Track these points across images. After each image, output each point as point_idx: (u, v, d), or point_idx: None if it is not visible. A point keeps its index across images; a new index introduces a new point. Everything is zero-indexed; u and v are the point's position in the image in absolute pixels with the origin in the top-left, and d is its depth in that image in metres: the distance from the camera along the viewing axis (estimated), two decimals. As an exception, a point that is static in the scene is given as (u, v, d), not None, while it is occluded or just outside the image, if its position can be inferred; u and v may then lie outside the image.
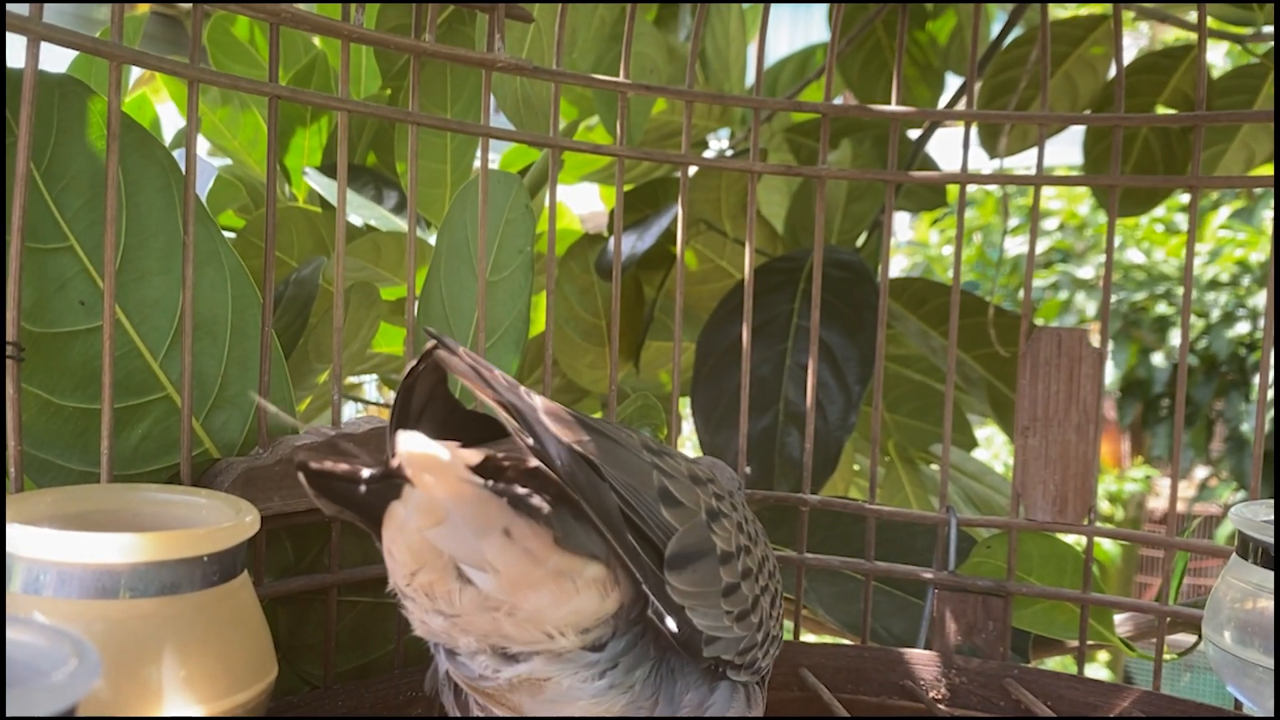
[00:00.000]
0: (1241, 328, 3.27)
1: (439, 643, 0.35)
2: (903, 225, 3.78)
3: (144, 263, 0.45)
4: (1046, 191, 3.35)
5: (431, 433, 0.33)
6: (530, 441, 0.31)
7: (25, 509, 0.37)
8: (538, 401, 0.32)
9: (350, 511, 0.32)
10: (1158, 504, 3.69)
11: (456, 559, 0.32)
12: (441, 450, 0.30)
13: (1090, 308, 3.48)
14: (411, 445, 0.30)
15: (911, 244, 3.85)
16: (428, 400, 0.36)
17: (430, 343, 0.32)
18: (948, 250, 3.64)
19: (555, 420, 0.32)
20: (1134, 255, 3.47)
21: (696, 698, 0.36)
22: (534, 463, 0.31)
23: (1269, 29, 0.85)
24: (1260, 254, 3.32)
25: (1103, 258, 3.53)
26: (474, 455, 0.30)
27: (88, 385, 0.44)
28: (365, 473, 0.31)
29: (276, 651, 0.39)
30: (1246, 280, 3.33)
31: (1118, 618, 0.76)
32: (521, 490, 0.31)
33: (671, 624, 0.34)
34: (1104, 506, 3.48)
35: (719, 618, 0.36)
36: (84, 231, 0.44)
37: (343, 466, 0.31)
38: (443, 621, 0.33)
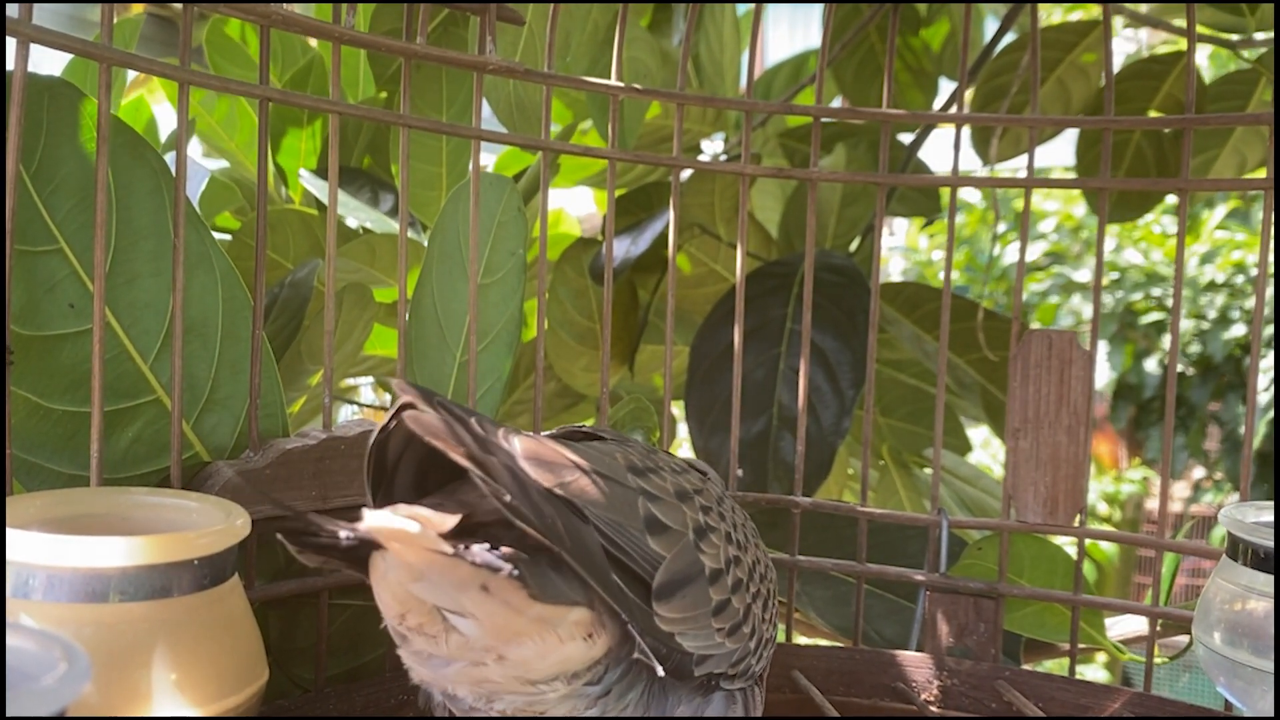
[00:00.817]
0: (1238, 330, 3.27)
1: (430, 689, 0.36)
2: (899, 229, 3.78)
3: (134, 265, 0.45)
4: (1042, 193, 3.36)
5: (408, 482, 0.34)
6: (507, 498, 0.30)
7: (15, 513, 0.37)
8: (517, 445, 0.32)
9: (335, 560, 0.32)
10: (1156, 505, 3.69)
11: (440, 606, 0.32)
12: (408, 524, 0.30)
13: (1086, 310, 3.49)
14: (377, 521, 0.30)
15: (900, 249, 3.85)
16: (405, 446, 0.35)
17: (404, 397, 0.31)
18: (938, 255, 3.64)
19: (536, 465, 0.32)
20: (1132, 255, 3.48)
21: (689, 709, 0.37)
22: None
23: (1260, 35, 0.86)
24: (1255, 256, 3.32)
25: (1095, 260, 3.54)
26: (447, 521, 0.30)
27: (77, 388, 0.44)
28: (343, 534, 0.31)
29: (267, 655, 0.39)
30: (1240, 280, 3.34)
31: (1132, 618, 0.76)
32: (491, 554, 0.31)
33: (659, 669, 0.34)
34: (1101, 508, 3.49)
35: (710, 636, 0.36)
36: (74, 234, 0.44)
37: (323, 530, 0.31)
38: (433, 673, 0.34)
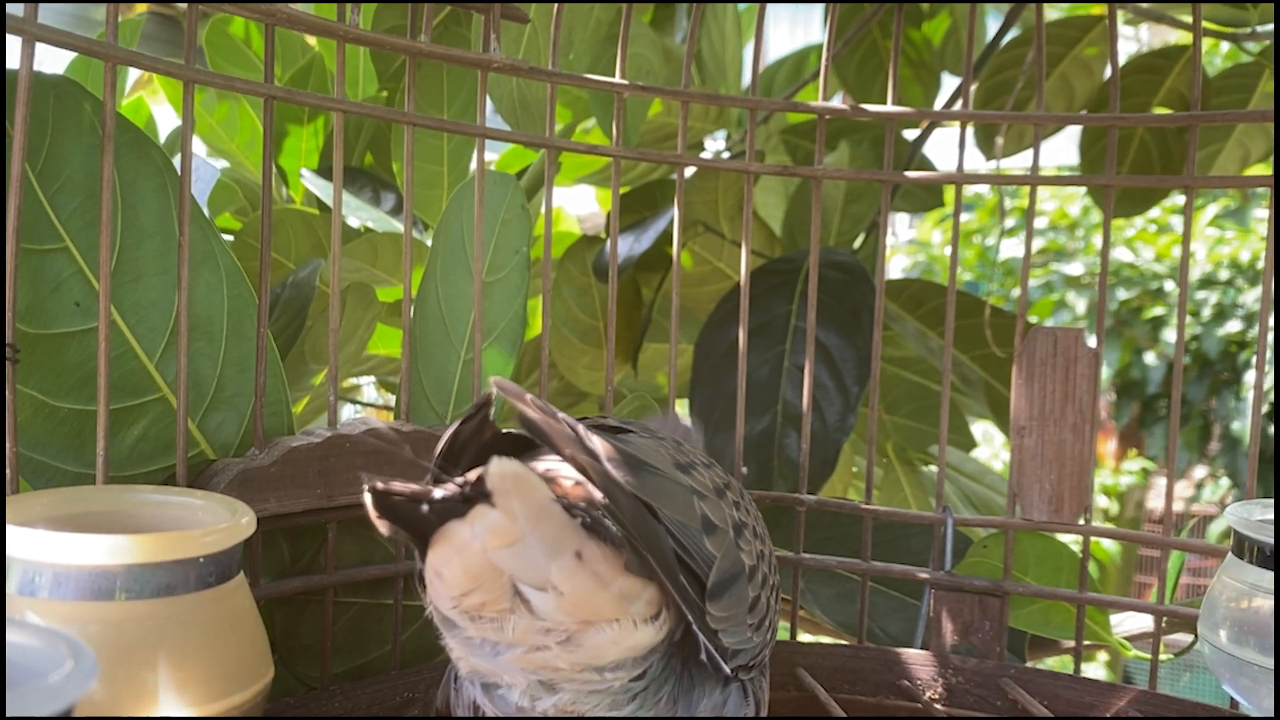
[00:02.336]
0: (1233, 326, 3.27)
1: (480, 680, 0.35)
2: (905, 225, 3.78)
3: (140, 264, 0.45)
4: (1041, 192, 3.35)
5: (472, 462, 0.33)
6: (600, 496, 0.31)
7: (21, 511, 0.37)
8: (598, 446, 0.32)
9: (405, 531, 0.32)
10: (1158, 503, 3.69)
11: (518, 579, 0.31)
12: (534, 475, 0.30)
13: (1080, 305, 3.49)
14: (506, 467, 0.29)
15: (914, 243, 3.84)
16: (470, 439, 0.35)
17: (504, 395, 0.31)
18: (950, 250, 3.64)
19: (616, 465, 0.32)
20: (1121, 254, 3.48)
21: (710, 702, 0.37)
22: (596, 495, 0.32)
23: (1263, 28, 0.85)
24: (1248, 252, 3.33)
25: (1091, 258, 3.54)
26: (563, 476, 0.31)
27: (83, 386, 0.44)
28: (437, 494, 0.30)
29: (273, 653, 0.39)
30: (1228, 273, 3.33)
31: (1134, 616, 0.76)
32: (596, 514, 0.31)
33: (726, 666, 0.35)
34: (1100, 501, 3.49)
35: (744, 633, 0.36)
36: (79, 233, 0.44)
37: (411, 488, 0.31)
38: (490, 660, 0.33)
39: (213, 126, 0.86)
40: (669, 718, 0.36)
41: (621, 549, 0.32)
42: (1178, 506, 3.43)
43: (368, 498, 0.31)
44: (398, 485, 0.31)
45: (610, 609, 0.32)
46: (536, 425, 0.31)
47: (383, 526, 0.32)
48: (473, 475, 0.31)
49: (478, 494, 0.30)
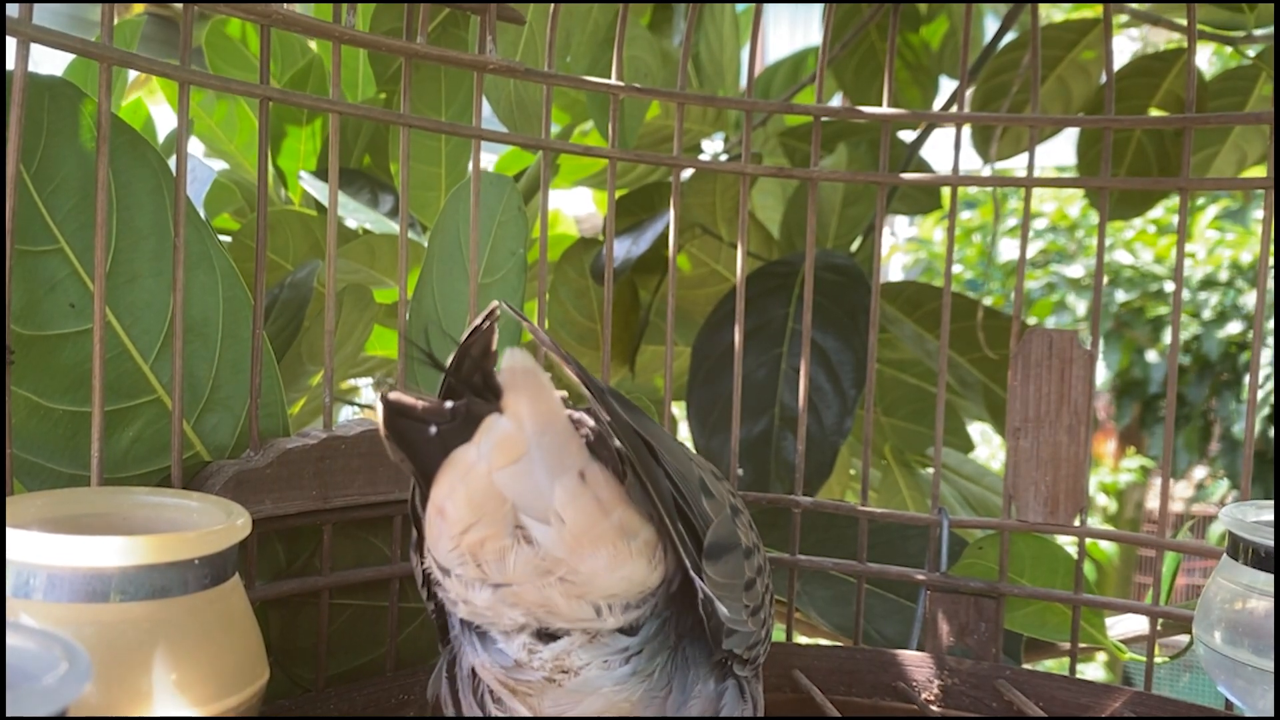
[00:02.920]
0: (1233, 327, 3.28)
1: (479, 621, 0.35)
2: (906, 223, 3.78)
3: (135, 265, 0.45)
4: (1040, 193, 3.36)
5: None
6: (606, 417, 0.31)
7: (16, 512, 0.37)
8: (604, 385, 0.33)
9: (410, 463, 0.32)
10: (1157, 503, 3.69)
11: (520, 507, 0.31)
12: (544, 375, 0.30)
13: (1081, 307, 3.49)
14: (518, 359, 0.30)
15: (914, 241, 3.84)
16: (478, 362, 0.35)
17: (493, 304, 0.32)
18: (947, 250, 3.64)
19: (620, 403, 0.32)
20: (1121, 256, 3.48)
21: (706, 690, 0.37)
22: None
23: (1260, 31, 0.86)
24: (1249, 254, 3.33)
25: (1091, 259, 3.54)
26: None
27: (78, 388, 0.44)
28: (449, 405, 0.31)
29: (268, 655, 0.39)
30: (1228, 275, 3.34)
31: (1131, 617, 0.76)
32: (601, 432, 0.32)
33: (720, 608, 0.34)
34: (1100, 500, 3.49)
35: (739, 611, 0.36)
36: (74, 234, 0.44)
37: (423, 401, 0.31)
38: (489, 595, 0.33)
39: (212, 127, 0.86)
40: (666, 718, 0.36)
41: (623, 478, 0.32)
42: (1178, 507, 3.44)
43: (379, 408, 0.31)
44: (410, 399, 0.31)
45: (610, 538, 0.32)
46: (543, 338, 0.31)
47: (391, 449, 0.32)
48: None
49: (486, 403, 0.30)
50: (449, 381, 0.33)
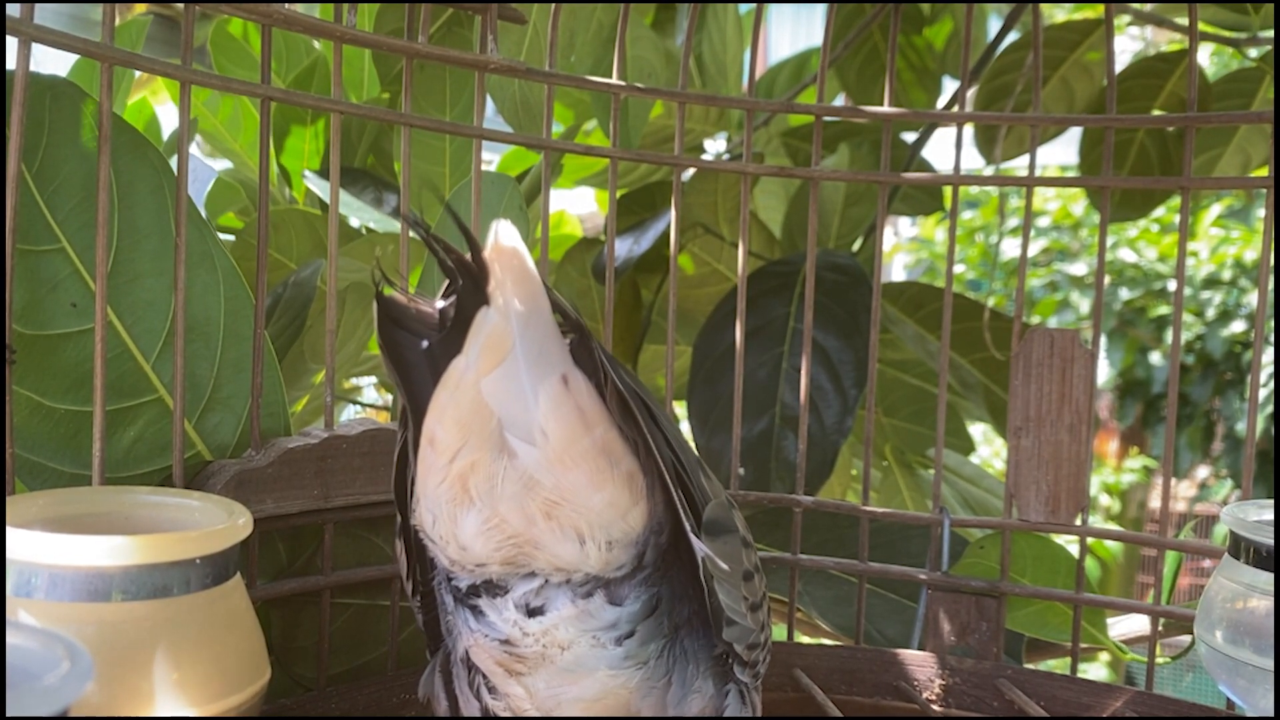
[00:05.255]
0: (1237, 326, 3.27)
1: (462, 564, 0.34)
2: (908, 222, 3.77)
3: (136, 265, 0.45)
4: (1044, 193, 3.35)
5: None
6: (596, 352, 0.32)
7: (17, 512, 0.37)
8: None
9: (402, 388, 0.32)
10: (1158, 503, 3.69)
11: (506, 423, 0.32)
12: (528, 253, 0.30)
13: (1084, 305, 3.48)
14: (504, 234, 0.30)
15: (916, 240, 3.84)
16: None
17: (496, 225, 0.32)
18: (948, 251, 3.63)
19: (614, 365, 0.32)
20: (1125, 255, 3.48)
21: (706, 689, 0.37)
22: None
23: (1265, 33, 0.85)
24: (1253, 252, 3.33)
25: (1094, 258, 3.54)
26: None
27: (79, 387, 0.45)
28: (439, 303, 0.31)
29: (269, 654, 0.39)
30: (1229, 274, 3.33)
31: (1134, 617, 0.76)
32: (585, 336, 0.32)
33: (719, 590, 0.34)
34: (1103, 500, 3.48)
35: (739, 600, 0.36)
36: (76, 233, 0.44)
37: (416, 302, 0.31)
38: (474, 523, 0.33)
39: (216, 126, 0.86)
40: (664, 718, 0.36)
41: (604, 385, 0.32)
42: (1181, 507, 3.44)
43: (374, 309, 0.31)
44: (402, 297, 0.31)
45: (592, 456, 0.32)
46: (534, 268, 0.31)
47: (388, 368, 0.32)
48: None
49: (475, 295, 0.30)
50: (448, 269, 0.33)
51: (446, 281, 0.33)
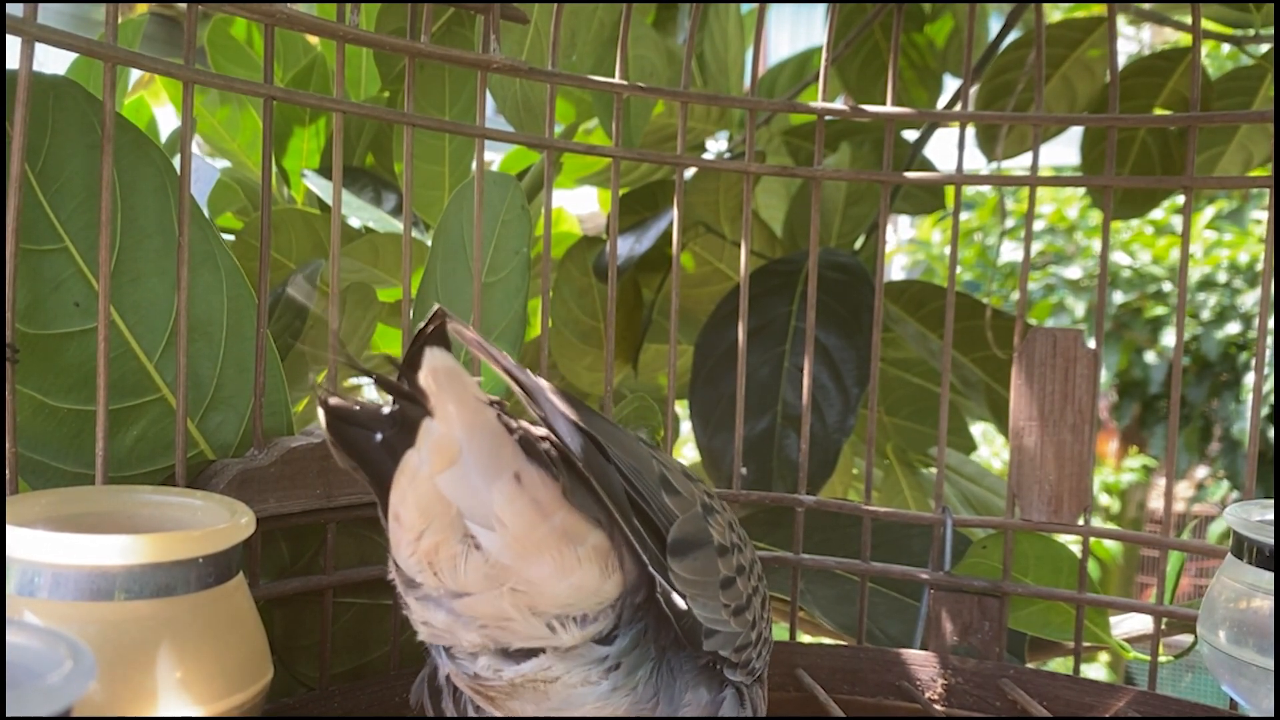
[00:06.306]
0: (1232, 328, 3.27)
1: (439, 643, 0.35)
2: (906, 223, 3.77)
3: (139, 264, 0.45)
4: (1038, 194, 3.35)
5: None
6: (542, 415, 0.31)
7: (20, 511, 0.37)
8: (543, 383, 0.33)
9: (362, 470, 0.32)
10: (1159, 502, 3.69)
11: (464, 512, 0.31)
12: (463, 371, 0.30)
13: (1079, 309, 3.48)
14: (438, 360, 0.30)
15: (914, 242, 3.84)
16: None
17: (435, 307, 0.32)
18: (950, 251, 3.63)
19: (562, 400, 0.32)
20: (1119, 258, 3.48)
21: (699, 699, 0.36)
22: (540, 431, 0.32)
23: (1266, 31, 0.85)
24: (1247, 254, 3.33)
25: (1089, 261, 3.54)
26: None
27: (83, 387, 0.44)
28: (385, 410, 0.31)
29: (272, 653, 0.39)
30: (1224, 275, 3.33)
31: (1135, 617, 0.76)
32: (533, 434, 0.32)
33: (679, 601, 0.34)
34: (1103, 499, 3.48)
35: (718, 610, 0.36)
36: (79, 233, 0.44)
37: (363, 403, 0.31)
38: (445, 615, 0.33)
39: (215, 126, 0.86)
40: (658, 718, 0.36)
41: (559, 476, 0.32)
42: (1179, 507, 3.44)
43: (321, 418, 0.31)
44: (348, 403, 0.31)
45: (552, 544, 0.32)
46: (476, 343, 0.31)
47: (339, 457, 0.32)
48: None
49: (421, 395, 0.30)
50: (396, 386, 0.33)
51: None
